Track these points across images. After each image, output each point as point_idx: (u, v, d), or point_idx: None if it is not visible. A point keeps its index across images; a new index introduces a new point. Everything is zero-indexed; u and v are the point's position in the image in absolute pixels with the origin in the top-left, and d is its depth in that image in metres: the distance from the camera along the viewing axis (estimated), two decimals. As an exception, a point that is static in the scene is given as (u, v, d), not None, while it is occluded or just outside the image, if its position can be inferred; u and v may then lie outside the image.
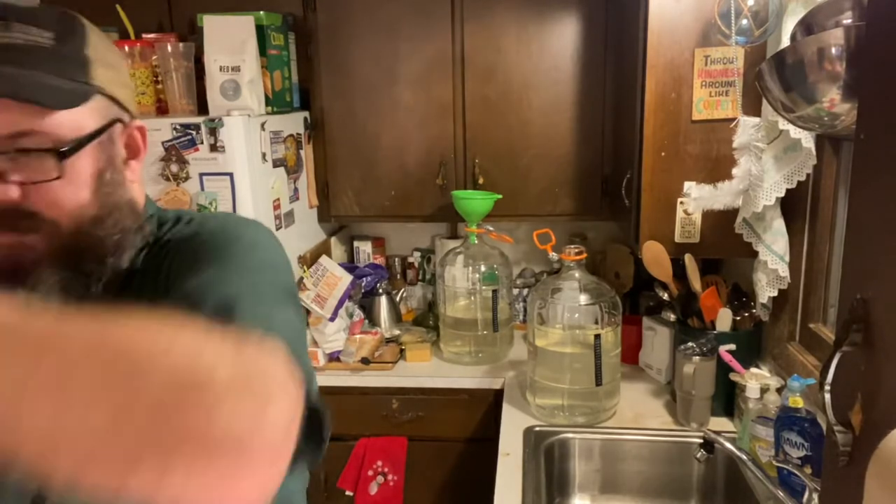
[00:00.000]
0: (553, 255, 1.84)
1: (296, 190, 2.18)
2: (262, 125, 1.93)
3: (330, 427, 0.62)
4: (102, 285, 0.70)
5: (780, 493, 1.21)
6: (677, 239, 1.66)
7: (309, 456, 0.58)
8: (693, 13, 1.54)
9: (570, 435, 1.63)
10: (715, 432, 1.32)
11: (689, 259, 1.68)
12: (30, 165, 0.65)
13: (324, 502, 2.14)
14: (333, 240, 2.49)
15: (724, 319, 1.67)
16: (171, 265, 0.72)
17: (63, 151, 0.66)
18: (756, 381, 1.47)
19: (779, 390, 1.41)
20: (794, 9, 1.25)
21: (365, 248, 2.57)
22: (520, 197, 2.22)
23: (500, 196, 2.15)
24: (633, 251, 2.20)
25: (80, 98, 0.68)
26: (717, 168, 1.59)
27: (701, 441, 1.35)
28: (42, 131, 0.65)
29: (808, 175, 1.43)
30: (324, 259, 2.23)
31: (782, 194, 1.45)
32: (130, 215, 0.74)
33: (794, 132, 1.35)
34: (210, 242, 0.72)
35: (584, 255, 1.70)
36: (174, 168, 1.84)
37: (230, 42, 1.93)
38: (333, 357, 2.11)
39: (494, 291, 2.11)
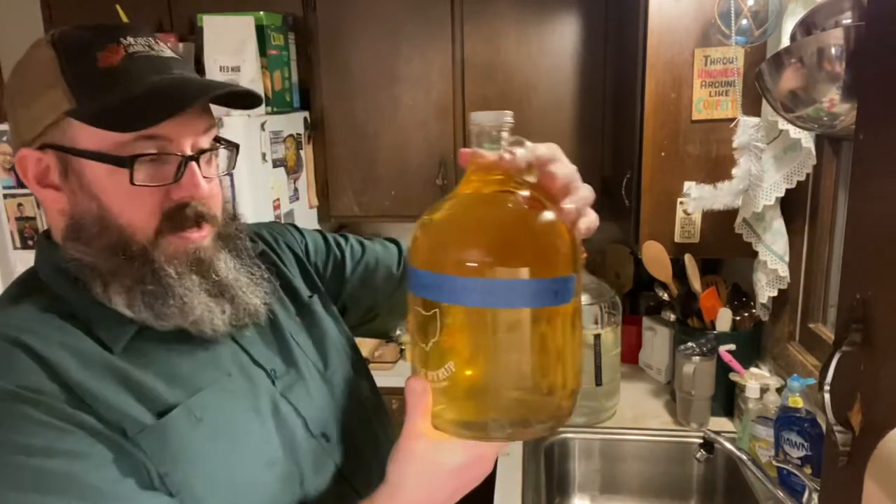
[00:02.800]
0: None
1: (296, 190, 2.18)
2: (262, 125, 1.93)
3: None
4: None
5: (780, 493, 1.21)
6: (677, 239, 1.66)
7: None
8: (693, 13, 1.54)
9: (570, 435, 1.63)
10: (715, 432, 1.32)
11: (688, 259, 1.68)
12: (212, 161, 0.72)
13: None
14: (333, 240, 2.49)
15: (723, 319, 1.67)
16: None
17: (238, 147, 0.75)
18: (756, 381, 1.47)
19: (779, 390, 1.41)
20: (794, 9, 1.25)
21: (365, 248, 2.57)
22: (520, 197, 2.21)
23: (500, 196, 2.14)
24: (633, 251, 2.20)
25: (258, 104, 0.74)
26: (716, 168, 1.59)
27: (701, 441, 1.35)
28: (214, 130, 0.72)
29: (807, 175, 1.43)
30: (324, 259, 2.23)
31: (782, 194, 1.45)
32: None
33: (794, 132, 1.35)
34: None
35: (584, 255, 1.70)
36: (174, 168, 1.84)
37: (230, 42, 1.93)
38: (333, 357, 2.10)
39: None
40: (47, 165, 0.67)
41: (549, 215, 0.56)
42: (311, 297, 0.86)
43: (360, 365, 0.89)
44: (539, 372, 0.57)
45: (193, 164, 0.67)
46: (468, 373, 0.57)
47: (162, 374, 0.67)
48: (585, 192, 0.60)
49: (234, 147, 0.75)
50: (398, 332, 2.29)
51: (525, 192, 0.58)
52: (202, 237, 0.69)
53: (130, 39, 0.67)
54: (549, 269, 0.54)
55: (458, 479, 0.62)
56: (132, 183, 0.64)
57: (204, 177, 0.68)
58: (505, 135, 0.58)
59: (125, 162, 0.63)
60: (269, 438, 0.71)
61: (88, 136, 0.64)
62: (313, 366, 0.80)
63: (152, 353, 0.67)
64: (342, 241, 0.96)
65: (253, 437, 0.70)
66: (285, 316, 0.81)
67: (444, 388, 0.57)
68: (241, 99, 0.71)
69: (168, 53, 0.69)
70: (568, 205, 0.58)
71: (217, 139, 0.72)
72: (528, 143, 0.60)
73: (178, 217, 0.67)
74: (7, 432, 0.58)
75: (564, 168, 0.61)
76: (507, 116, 0.58)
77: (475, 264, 0.53)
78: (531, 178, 0.60)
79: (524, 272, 0.53)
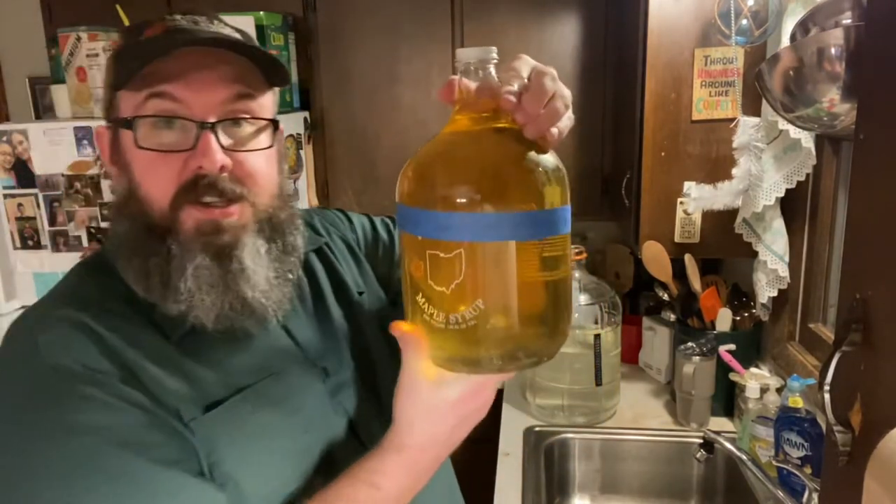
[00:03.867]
0: (553, 255, 1.84)
1: (296, 190, 2.18)
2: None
3: None
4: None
5: (780, 493, 1.21)
6: (677, 239, 1.66)
7: None
8: (693, 13, 1.54)
9: (570, 435, 1.63)
10: (715, 432, 1.32)
11: (688, 259, 1.68)
12: (242, 134, 0.68)
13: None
14: (333, 240, 2.49)
15: (723, 319, 1.67)
16: None
17: (277, 123, 0.71)
18: (756, 381, 1.47)
19: (779, 390, 1.41)
20: (794, 9, 1.25)
21: (365, 248, 2.57)
22: (520, 197, 2.21)
23: (500, 196, 2.14)
24: (633, 251, 2.20)
25: (287, 80, 0.72)
26: (716, 168, 1.59)
27: (701, 441, 1.35)
28: (257, 101, 0.69)
29: (807, 175, 1.43)
30: (324, 259, 2.23)
31: (782, 194, 1.45)
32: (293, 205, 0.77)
33: (794, 132, 1.35)
34: None
35: (584, 255, 1.70)
36: (174, 168, 1.84)
37: (230, 42, 1.93)
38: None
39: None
40: (108, 141, 0.69)
41: (538, 148, 0.58)
42: (361, 294, 0.86)
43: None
44: (560, 297, 0.60)
45: (209, 132, 0.64)
46: (499, 308, 0.57)
47: (215, 364, 0.67)
48: (559, 104, 0.58)
49: (270, 122, 0.70)
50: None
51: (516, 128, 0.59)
52: (227, 214, 0.66)
53: (178, 17, 0.67)
54: (558, 199, 0.57)
55: (459, 412, 0.64)
56: (137, 146, 0.63)
57: (228, 149, 0.65)
58: (491, 70, 0.59)
59: (130, 123, 0.63)
60: (317, 439, 0.72)
61: (123, 105, 0.65)
62: (362, 365, 0.80)
63: (207, 344, 0.68)
64: (390, 223, 0.96)
65: (300, 435, 0.70)
66: (338, 312, 0.81)
67: (471, 328, 0.57)
68: (269, 70, 0.69)
69: (214, 28, 0.69)
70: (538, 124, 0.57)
71: (249, 116, 0.68)
72: (522, 75, 0.60)
73: (195, 189, 0.65)
74: (66, 412, 0.59)
75: (539, 87, 0.58)
76: (493, 52, 0.58)
77: (473, 200, 0.54)
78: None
79: (543, 203, 0.56)
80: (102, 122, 0.71)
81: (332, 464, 0.71)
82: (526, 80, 0.58)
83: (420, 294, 0.59)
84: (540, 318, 0.60)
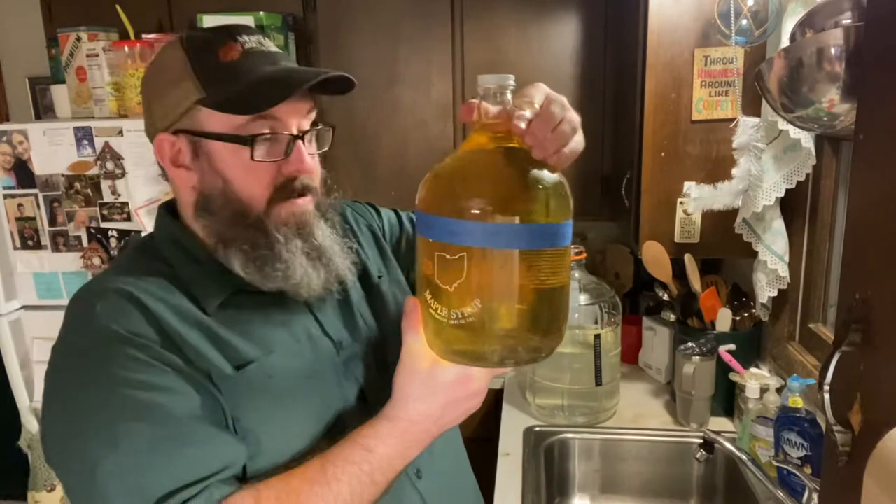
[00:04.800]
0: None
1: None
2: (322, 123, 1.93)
3: None
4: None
5: (780, 493, 1.21)
6: (677, 239, 1.66)
7: None
8: (693, 13, 1.54)
9: (570, 435, 1.63)
10: (715, 432, 1.32)
11: (688, 259, 1.68)
12: (313, 140, 0.84)
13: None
14: (333, 240, 2.49)
15: (723, 319, 1.67)
16: None
17: (334, 127, 0.87)
18: (756, 381, 1.47)
19: (778, 390, 1.42)
20: (793, 9, 1.25)
21: (365, 248, 2.58)
22: (520, 197, 2.21)
23: (500, 196, 2.14)
24: (633, 251, 2.20)
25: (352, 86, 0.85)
26: (716, 168, 1.59)
27: (701, 441, 1.35)
28: (314, 112, 0.83)
29: (807, 175, 1.43)
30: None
31: (782, 194, 1.45)
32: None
33: (794, 132, 1.35)
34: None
35: (584, 255, 1.70)
36: (174, 168, 1.84)
37: (230, 42, 1.92)
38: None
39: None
40: (179, 149, 0.79)
41: (548, 168, 0.66)
42: (380, 277, 0.96)
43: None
44: (555, 303, 0.67)
45: (300, 142, 0.79)
46: (497, 310, 0.64)
47: (243, 333, 0.78)
48: (567, 128, 0.67)
49: (331, 127, 0.86)
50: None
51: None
52: (307, 203, 0.81)
53: (245, 38, 0.79)
54: (562, 215, 0.64)
55: (450, 394, 0.74)
56: (252, 159, 0.75)
57: (308, 154, 0.80)
58: (508, 95, 0.65)
59: (246, 141, 0.75)
60: (329, 404, 0.81)
61: (215, 121, 0.76)
62: (376, 341, 0.90)
63: (238, 315, 0.79)
64: (414, 216, 1.05)
65: (313, 400, 0.80)
66: (357, 294, 0.91)
67: (469, 324, 0.64)
68: (337, 84, 0.81)
69: (275, 49, 0.81)
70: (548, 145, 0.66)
71: (316, 121, 0.83)
72: (534, 103, 0.68)
73: (287, 189, 0.79)
74: (116, 368, 0.70)
75: (549, 112, 0.67)
76: (510, 80, 0.65)
77: (507, 213, 0.61)
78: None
79: (548, 217, 0.63)
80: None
81: (342, 426, 0.80)
82: (537, 107, 0.67)
83: (428, 290, 0.66)
84: (533, 320, 0.66)
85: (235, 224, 0.78)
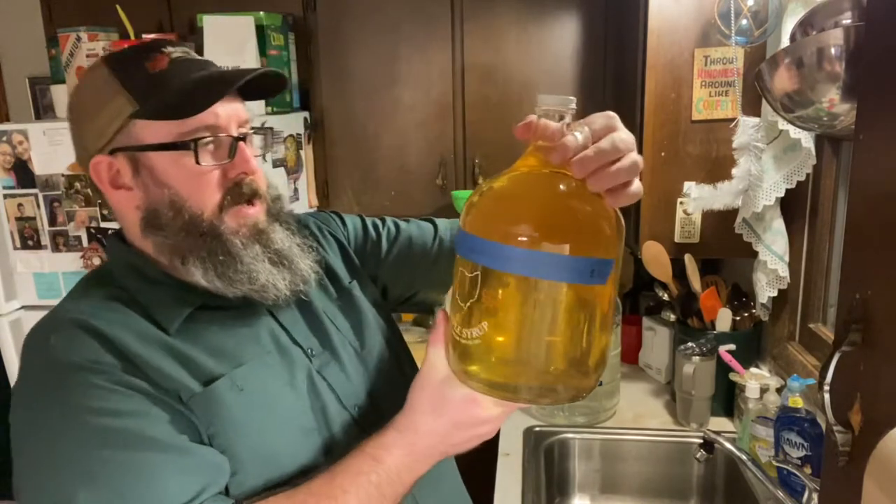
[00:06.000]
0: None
1: (296, 190, 2.18)
2: (262, 125, 1.93)
3: None
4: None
5: (780, 493, 1.21)
6: (677, 239, 1.66)
7: None
8: (693, 13, 1.54)
9: (570, 435, 1.63)
10: (715, 432, 1.32)
11: (688, 259, 1.68)
12: (251, 144, 0.81)
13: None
14: (333, 240, 2.49)
15: (723, 319, 1.67)
16: None
17: (272, 129, 0.85)
18: (756, 381, 1.47)
19: (779, 390, 1.41)
20: (794, 9, 1.25)
21: (365, 248, 2.58)
22: (520, 197, 2.21)
23: (500, 196, 2.14)
24: (633, 251, 2.20)
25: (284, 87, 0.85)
26: (716, 168, 1.59)
27: (701, 441, 1.35)
28: (249, 120, 0.82)
29: (807, 175, 1.43)
30: (324, 259, 2.23)
31: (782, 194, 1.45)
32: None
33: (794, 132, 1.34)
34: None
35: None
36: (174, 168, 1.84)
37: (230, 42, 1.93)
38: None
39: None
40: (118, 169, 0.77)
41: (595, 200, 0.61)
42: (350, 282, 0.95)
43: (397, 344, 0.96)
44: (564, 347, 0.61)
45: (242, 143, 0.78)
46: (499, 337, 0.61)
47: (209, 349, 0.76)
48: (626, 164, 0.61)
49: (267, 131, 0.85)
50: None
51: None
52: (257, 212, 0.80)
53: (170, 48, 0.77)
54: (588, 249, 0.58)
55: (458, 413, 0.71)
56: (198, 163, 0.74)
57: (252, 155, 0.79)
58: (567, 118, 0.62)
59: (189, 146, 0.74)
60: (304, 410, 0.80)
61: (153, 132, 0.74)
62: (349, 345, 0.88)
63: (201, 332, 0.77)
64: (379, 224, 1.05)
65: (289, 408, 0.79)
66: (325, 299, 0.90)
67: (475, 346, 0.62)
68: (272, 85, 0.81)
69: (202, 58, 0.80)
70: (605, 181, 0.60)
71: (253, 128, 0.82)
72: (586, 128, 0.62)
73: (236, 193, 0.77)
74: (78, 398, 0.68)
75: (608, 144, 0.61)
76: (571, 103, 0.62)
77: (521, 237, 0.58)
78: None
79: (564, 248, 0.57)
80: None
81: (322, 435, 0.80)
82: (588, 133, 0.61)
83: (452, 305, 0.65)
84: (539, 356, 0.62)
85: (189, 235, 0.76)
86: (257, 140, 0.84)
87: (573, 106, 0.62)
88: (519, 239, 0.58)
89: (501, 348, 0.61)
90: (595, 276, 0.58)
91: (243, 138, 0.78)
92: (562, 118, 0.61)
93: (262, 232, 0.80)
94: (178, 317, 0.76)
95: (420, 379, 0.74)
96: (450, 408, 0.71)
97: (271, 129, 0.84)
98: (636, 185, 0.63)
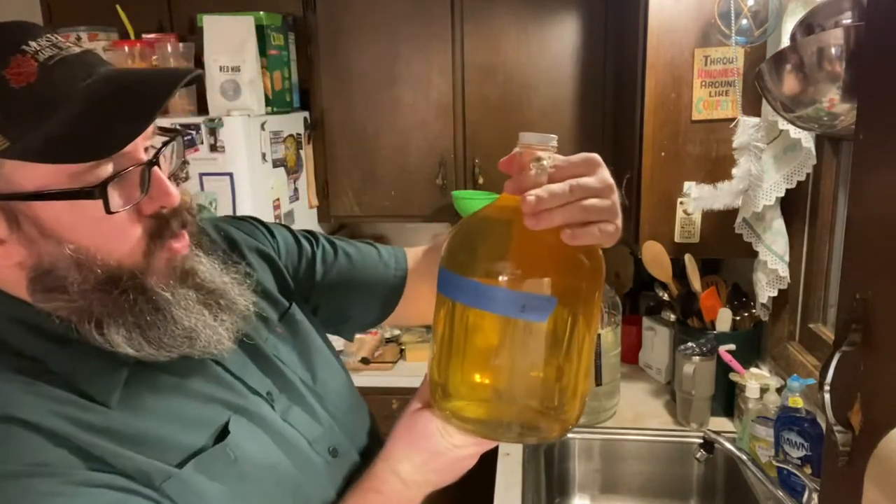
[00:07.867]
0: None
1: (296, 190, 2.18)
2: (262, 125, 1.93)
3: None
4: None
5: (780, 493, 1.21)
6: (677, 239, 1.66)
7: None
8: (693, 13, 1.54)
9: (570, 435, 1.63)
10: (715, 432, 1.32)
11: (689, 259, 1.68)
12: (165, 158, 0.63)
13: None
14: (333, 240, 2.49)
15: (723, 319, 1.67)
16: None
17: (181, 131, 0.68)
18: (756, 381, 1.47)
19: (779, 390, 1.41)
20: (794, 9, 1.25)
21: (365, 248, 2.57)
22: (520, 197, 2.22)
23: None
24: (633, 251, 2.20)
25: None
26: (716, 168, 1.59)
27: (701, 441, 1.35)
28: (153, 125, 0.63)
29: (807, 175, 1.43)
30: (324, 259, 2.23)
31: (782, 194, 1.45)
32: None
33: (794, 132, 1.35)
34: None
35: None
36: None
37: (230, 42, 1.93)
38: (333, 357, 2.11)
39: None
40: None
41: (549, 237, 0.58)
42: (290, 305, 0.82)
43: (341, 366, 0.88)
44: (543, 384, 0.60)
45: (156, 169, 0.60)
46: (475, 375, 0.61)
47: (170, 419, 0.62)
48: (586, 204, 0.58)
49: (178, 131, 0.66)
50: (398, 332, 2.30)
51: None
52: (185, 246, 0.64)
53: (32, 44, 0.55)
54: (518, 284, 0.57)
55: (422, 441, 0.66)
56: (108, 212, 0.56)
57: (168, 177, 0.62)
58: (545, 156, 0.61)
59: (94, 193, 0.55)
60: (288, 469, 0.69)
61: (33, 175, 0.54)
62: (300, 381, 0.76)
63: (149, 399, 0.62)
64: (312, 240, 0.91)
65: (280, 470, 0.68)
66: (265, 331, 0.76)
67: (451, 383, 0.61)
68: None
69: (76, 49, 0.58)
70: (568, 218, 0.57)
71: (159, 130, 0.63)
72: (545, 164, 0.60)
73: (159, 229, 0.61)
74: None
75: (564, 185, 0.58)
76: (551, 140, 0.61)
77: (466, 267, 0.58)
78: None
79: (498, 280, 0.57)
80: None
81: (307, 489, 0.70)
82: (549, 167, 0.58)
83: (432, 335, 0.64)
84: (492, 392, 0.61)
85: (105, 295, 0.58)
86: (169, 149, 0.64)
87: (553, 143, 0.61)
88: (463, 268, 0.58)
89: (455, 382, 0.62)
90: (527, 312, 0.56)
91: (156, 160, 0.60)
92: (539, 159, 0.60)
93: (190, 271, 0.64)
94: (113, 386, 0.60)
95: (407, 407, 0.69)
96: (417, 435, 0.66)
97: (179, 128, 0.68)
98: (606, 226, 0.59)
